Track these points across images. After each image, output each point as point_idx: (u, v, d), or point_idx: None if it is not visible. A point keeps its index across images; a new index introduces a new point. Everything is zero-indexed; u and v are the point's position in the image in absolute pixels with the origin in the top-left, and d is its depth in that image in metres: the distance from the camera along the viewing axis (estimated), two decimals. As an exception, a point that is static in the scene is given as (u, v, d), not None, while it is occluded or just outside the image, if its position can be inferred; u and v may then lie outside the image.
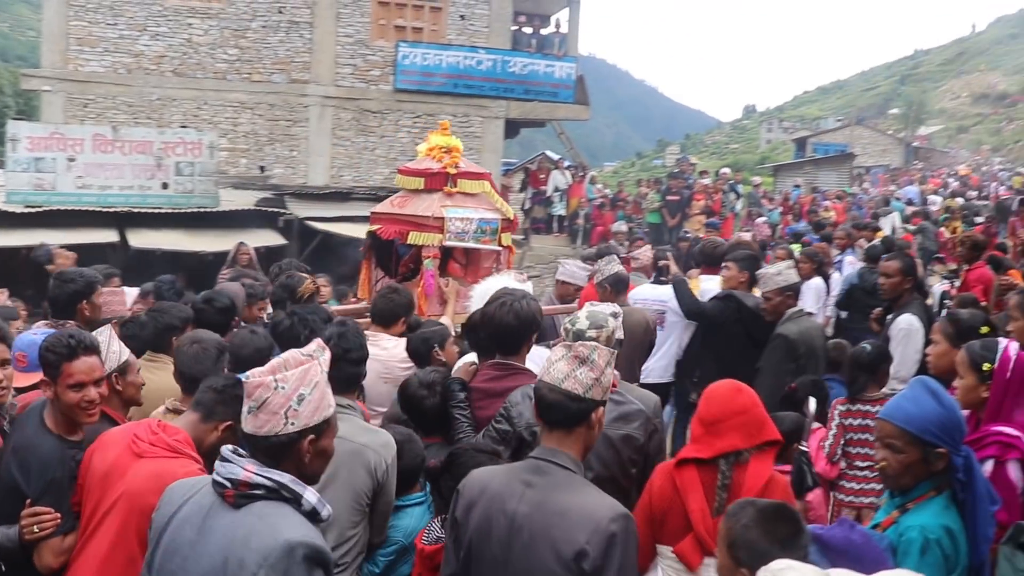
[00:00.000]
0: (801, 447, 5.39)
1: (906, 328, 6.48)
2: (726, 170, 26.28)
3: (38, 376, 3.83)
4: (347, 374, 4.00)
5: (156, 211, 14.43)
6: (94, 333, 3.96)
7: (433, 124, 21.15)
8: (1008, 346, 3.89)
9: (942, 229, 19.71)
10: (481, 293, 5.40)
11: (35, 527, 3.48)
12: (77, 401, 3.63)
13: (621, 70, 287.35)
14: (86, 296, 5.46)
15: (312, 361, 2.65)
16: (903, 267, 6.76)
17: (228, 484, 2.54)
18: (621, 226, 17.35)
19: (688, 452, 3.61)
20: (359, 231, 14.42)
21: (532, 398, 3.15)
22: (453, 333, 5.71)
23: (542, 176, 23.60)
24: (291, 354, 2.67)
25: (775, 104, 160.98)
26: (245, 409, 2.60)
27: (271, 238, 14.35)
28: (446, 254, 7.38)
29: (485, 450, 3.77)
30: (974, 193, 35.17)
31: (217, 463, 2.60)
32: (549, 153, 28.58)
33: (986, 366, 3.80)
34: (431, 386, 4.43)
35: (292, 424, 2.56)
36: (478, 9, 21.85)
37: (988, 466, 3.60)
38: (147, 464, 3.33)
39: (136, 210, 14.31)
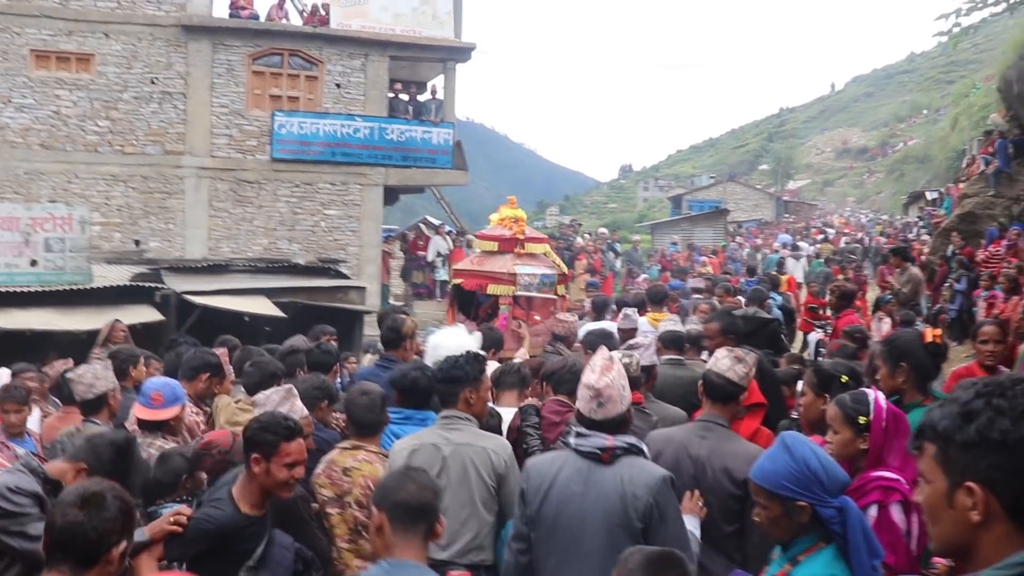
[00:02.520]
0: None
1: None
2: (603, 230, 26.75)
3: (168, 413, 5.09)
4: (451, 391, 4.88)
5: (25, 290, 13.96)
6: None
7: (312, 192, 21.36)
8: (877, 396, 4.03)
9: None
10: (435, 344, 6.34)
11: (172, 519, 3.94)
12: (287, 478, 4.06)
13: (499, 134, 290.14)
14: None
15: (615, 363, 4.07)
16: (722, 327, 6.90)
17: (599, 451, 3.82)
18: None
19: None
20: (239, 304, 14.23)
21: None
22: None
23: (421, 242, 23.65)
24: (603, 361, 4.05)
25: (650, 163, 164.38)
26: (595, 404, 3.93)
27: (148, 314, 13.98)
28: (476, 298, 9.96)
29: None
30: (849, 240, 36.73)
31: (576, 439, 3.92)
32: (430, 218, 28.73)
33: (862, 419, 3.91)
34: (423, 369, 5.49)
35: (623, 405, 3.96)
36: (354, 77, 21.91)
37: (873, 511, 3.70)
38: None
39: (3, 289, 13.82)
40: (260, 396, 5.12)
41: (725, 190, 66.47)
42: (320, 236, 21.61)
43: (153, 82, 20.69)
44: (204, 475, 4.52)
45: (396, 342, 7.03)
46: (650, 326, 9.23)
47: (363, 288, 17.83)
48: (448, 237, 23.98)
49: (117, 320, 10.31)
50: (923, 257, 20.18)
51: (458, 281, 10.17)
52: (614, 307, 10.90)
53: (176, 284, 14.88)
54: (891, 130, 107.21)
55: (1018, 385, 1.84)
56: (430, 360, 5.95)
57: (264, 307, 14.22)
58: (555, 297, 10.07)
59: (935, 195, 34.23)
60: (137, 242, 20.35)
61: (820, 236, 38.66)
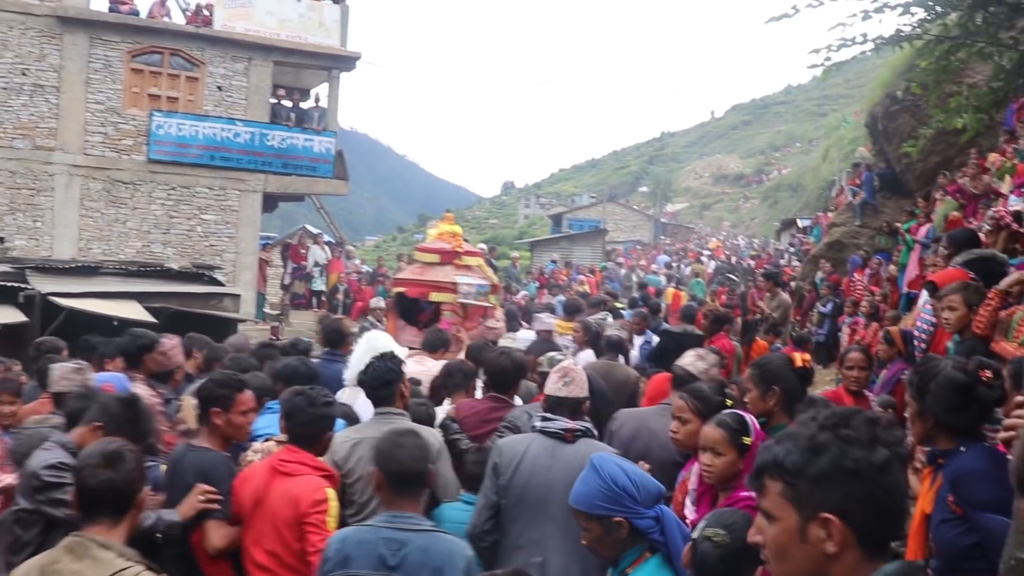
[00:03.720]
0: None
1: None
2: (482, 245, 26.83)
3: None
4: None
5: None
6: None
7: (188, 196, 20.95)
8: (752, 419, 4.21)
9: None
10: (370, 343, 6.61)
11: (200, 498, 4.49)
12: (244, 424, 4.90)
13: (383, 145, 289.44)
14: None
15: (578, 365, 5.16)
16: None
17: (563, 431, 4.56)
18: (379, 301, 17.36)
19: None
20: (109, 307, 13.82)
21: (531, 415, 5.20)
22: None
23: (302, 251, 23.40)
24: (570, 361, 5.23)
25: (533, 181, 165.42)
26: (561, 383, 4.73)
27: (10, 315, 13.49)
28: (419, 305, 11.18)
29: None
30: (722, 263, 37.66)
31: (542, 423, 4.66)
32: (309, 227, 28.42)
33: (746, 440, 4.04)
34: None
35: (584, 391, 4.80)
36: (236, 80, 21.57)
37: None
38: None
39: None
40: None
41: (605, 210, 67.44)
42: (196, 241, 21.18)
43: (24, 73, 19.99)
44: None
45: (339, 342, 8.28)
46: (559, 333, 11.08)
47: (238, 296, 17.54)
48: (326, 247, 23.75)
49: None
50: (793, 283, 20.80)
51: (401, 290, 11.34)
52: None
53: (42, 285, 14.38)
54: (767, 158, 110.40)
55: (858, 416, 1.90)
56: (362, 355, 6.21)
57: (135, 311, 13.84)
58: (488, 305, 11.34)
59: (806, 223, 35.28)
60: (1, 239, 19.62)
61: (695, 258, 39.63)
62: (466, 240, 11.87)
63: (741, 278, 28.15)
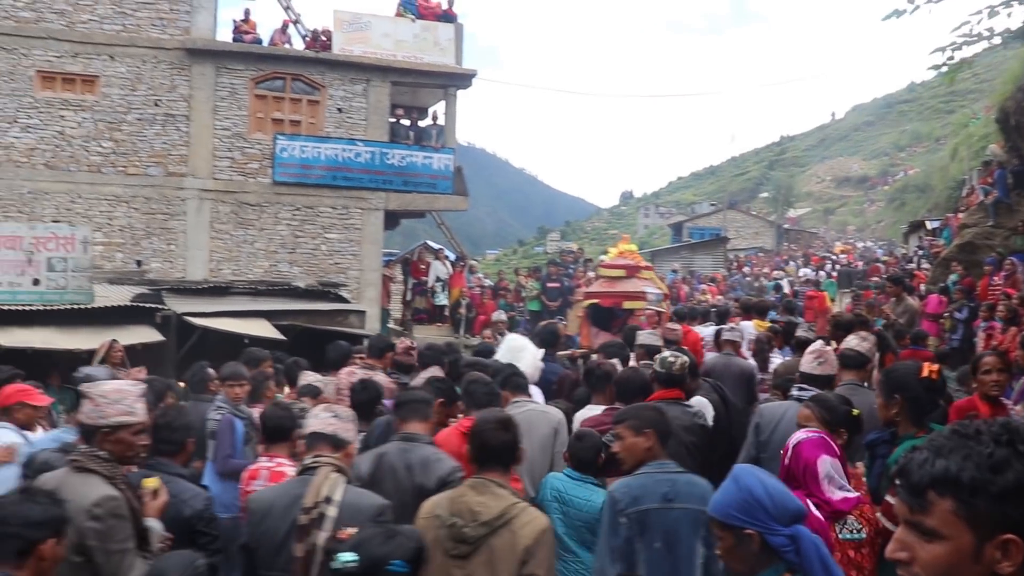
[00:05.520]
0: None
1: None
2: (604, 256, 26.78)
3: None
4: None
5: (27, 308, 14.05)
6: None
7: (312, 216, 21.46)
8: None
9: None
10: (517, 345, 8.34)
11: None
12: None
13: (500, 159, 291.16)
14: None
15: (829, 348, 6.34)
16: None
17: None
18: (501, 315, 17.55)
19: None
20: (239, 326, 14.30)
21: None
22: None
23: (423, 267, 23.75)
24: (821, 345, 6.45)
25: (652, 190, 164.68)
26: (816, 363, 6.09)
27: (148, 334, 14.07)
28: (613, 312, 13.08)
29: None
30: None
31: (798, 392, 5.82)
32: (430, 243, 28.78)
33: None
34: None
35: (833, 369, 6.23)
36: (356, 102, 22.07)
37: None
38: None
39: (5, 307, 13.90)
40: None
41: (725, 218, 66.59)
42: (321, 259, 21.71)
43: (157, 104, 20.86)
44: None
45: (553, 343, 9.33)
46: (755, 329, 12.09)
47: (363, 312, 17.91)
48: (447, 262, 24.06)
49: (114, 340, 10.43)
50: (922, 286, 20.25)
51: (594, 301, 13.17)
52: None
53: (177, 305, 14.96)
54: (891, 159, 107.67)
55: None
56: (506, 357, 7.81)
57: (264, 329, 14.29)
58: (664, 310, 13.33)
59: (935, 224, 34.22)
60: (139, 263, 20.45)
61: (818, 263, 38.83)
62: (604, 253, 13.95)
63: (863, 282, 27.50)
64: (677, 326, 12.01)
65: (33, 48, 20.19)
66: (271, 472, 5.23)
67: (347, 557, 3.12)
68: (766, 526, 3.18)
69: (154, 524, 4.18)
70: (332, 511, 4.10)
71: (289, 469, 5.18)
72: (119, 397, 4.16)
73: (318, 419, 4.53)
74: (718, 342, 10.38)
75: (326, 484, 4.19)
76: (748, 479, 3.28)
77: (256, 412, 7.09)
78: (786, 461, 4.42)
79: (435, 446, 5.19)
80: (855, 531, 3.94)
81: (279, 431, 5.54)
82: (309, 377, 7.99)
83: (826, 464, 4.28)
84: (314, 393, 7.49)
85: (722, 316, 14.37)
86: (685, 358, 6.64)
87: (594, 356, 9.66)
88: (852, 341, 6.67)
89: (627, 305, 12.87)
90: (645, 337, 9.49)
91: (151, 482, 4.30)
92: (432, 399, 5.55)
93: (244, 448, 6.91)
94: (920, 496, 1.80)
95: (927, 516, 1.79)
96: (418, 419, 5.25)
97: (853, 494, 4.17)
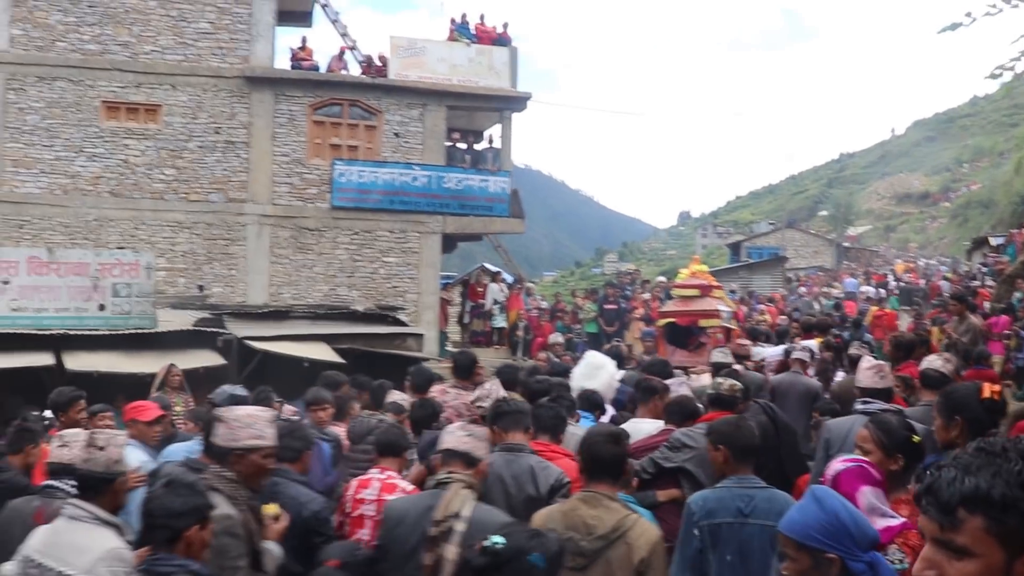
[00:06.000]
0: None
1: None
2: (662, 278, 26.68)
3: None
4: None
5: (93, 333, 14.28)
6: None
7: (371, 240, 21.65)
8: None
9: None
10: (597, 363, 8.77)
11: None
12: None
13: (556, 180, 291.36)
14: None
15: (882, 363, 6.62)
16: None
17: (880, 412, 5.42)
18: (558, 337, 17.52)
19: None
20: (299, 350, 14.40)
21: (690, 435, 6.09)
22: None
23: (480, 289, 23.80)
24: (875, 360, 6.64)
25: (709, 209, 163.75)
26: (878, 377, 6.18)
27: (210, 358, 14.21)
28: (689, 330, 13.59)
29: None
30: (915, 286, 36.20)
31: (862, 406, 5.95)
32: (487, 265, 28.86)
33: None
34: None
35: (889, 383, 6.47)
36: (412, 126, 22.26)
37: None
38: None
39: (72, 332, 14.15)
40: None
41: (784, 237, 65.92)
42: (379, 283, 21.89)
43: (217, 132, 21.24)
44: None
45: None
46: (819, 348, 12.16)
47: (421, 335, 17.96)
48: (504, 285, 24.10)
49: (172, 364, 10.59)
50: (986, 304, 19.87)
51: (671, 320, 13.74)
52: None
53: (238, 329, 15.10)
54: (953, 175, 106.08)
55: None
56: (584, 374, 8.35)
57: (324, 353, 14.37)
58: (734, 327, 14.58)
59: (999, 241, 33.61)
60: (200, 287, 20.76)
61: (880, 281, 38.29)
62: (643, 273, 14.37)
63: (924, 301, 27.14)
64: (747, 341, 12.77)
65: (98, 79, 20.69)
66: (382, 483, 5.41)
67: (496, 539, 3.29)
68: (849, 551, 3.10)
69: (272, 547, 4.35)
70: (460, 526, 4.23)
71: (400, 482, 5.44)
72: (251, 422, 4.37)
73: (453, 436, 4.72)
74: (786, 361, 10.51)
75: (456, 499, 4.35)
76: (832, 501, 3.20)
77: (341, 430, 7.54)
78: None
79: (537, 455, 5.24)
80: (897, 561, 3.81)
81: (392, 447, 5.72)
82: (395, 396, 8.16)
83: (867, 496, 4.12)
84: (398, 410, 7.60)
85: (781, 336, 14.65)
86: (735, 381, 6.83)
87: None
88: (936, 362, 6.65)
89: (703, 323, 13.44)
90: (716, 355, 10.06)
91: (271, 508, 4.48)
92: (530, 409, 5.64)
93: (332, 469, 7.06)
94: (950, 514, 1.79)
95: (957, 534, 1.78)
96: (519, 429, 5.33)
97: (896, 521, 4.03)
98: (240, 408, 4.66)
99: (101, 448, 4.15)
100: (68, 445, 4.93)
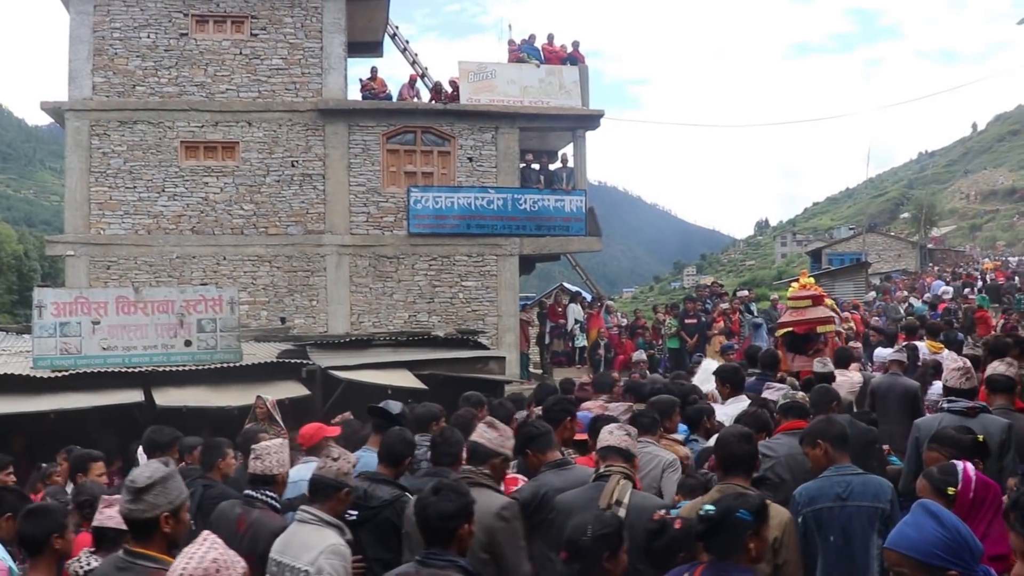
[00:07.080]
0: None
1: None
2: (744, 292, 26.29)
3: None
4: None
5: (180, 368, 14.52)
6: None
7: (448, 265, 21.73)
8: (966, 467, 4.19)
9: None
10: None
11: None
12: None
13: (633, 196, 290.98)
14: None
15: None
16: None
17: (966, 408, 6.28)
18: (641, 355, 17.33)
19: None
20: (382, 378, 14.46)
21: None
22: None
23: (559, 309, 23.73)
24: (960, 359, 6.87)
25: (787, 217, 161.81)
26: (964, 379, 6.57)
27: (295, 389, 14.35)
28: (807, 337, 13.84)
29: None
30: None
31: (948, 403, 6.39)
32: (566, 285, 28.83)
33: (950, 490, 4.08)
34: None
35: (976, 382, 6.79)
36: (485, 150, 22.34)
37: None
38: None
39: (160, 369, 14.40)
40: None
41: (865, 241, 64.74)
42: (458, 307, 21.96)
43: (294, 165, 21.54)
44: None
45: (773, 366, 10.74)
46: (929, 351, 13.17)
47: (503, 358, 17.91)
48: (583, 304, 23.99)
49: (259, 396, 10.68)
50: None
51: (788, 329, 14.12)
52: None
53: (321, 359, 15.22)
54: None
55: None
56: (700, 380, 9.84)
57: (406, 380, 14.42)
58: (842, 330, 16.34)
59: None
60: (283, 319, 21.02)
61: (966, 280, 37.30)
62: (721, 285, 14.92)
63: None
64: (859, 345, 14.30)
65: (177, 120, 21.13)
66: (517, 480, 6.24)
67: (708, 507, 3.92)
68: (968, 568, 3.02)
69: None
70: (622, 512, 4.86)
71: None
72: (510, 435, 5.54)
73: (613, 435, 5.41)
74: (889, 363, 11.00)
75: (617, 489, 5.05)
76: (951, 517, 3.12)
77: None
78: None
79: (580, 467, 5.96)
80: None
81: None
82: (520, 415, 8.69)
83: None
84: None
85: (891, 339, 15.96)
86: (804, 393, 7.48)
87: (789, 379, 10.58)
88: (1000, 367, 6.75)
89: (820, 329, 13.82)
90: (817, 366, 10.37)
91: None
92: (550, 428, 6.13)
93: None
94: None
95: None
96: (552, 448, 5.93)
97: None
98: (501, 424, 5.61)
99: (335, 459, 4.95)
100: (261, 458, 5.57)
